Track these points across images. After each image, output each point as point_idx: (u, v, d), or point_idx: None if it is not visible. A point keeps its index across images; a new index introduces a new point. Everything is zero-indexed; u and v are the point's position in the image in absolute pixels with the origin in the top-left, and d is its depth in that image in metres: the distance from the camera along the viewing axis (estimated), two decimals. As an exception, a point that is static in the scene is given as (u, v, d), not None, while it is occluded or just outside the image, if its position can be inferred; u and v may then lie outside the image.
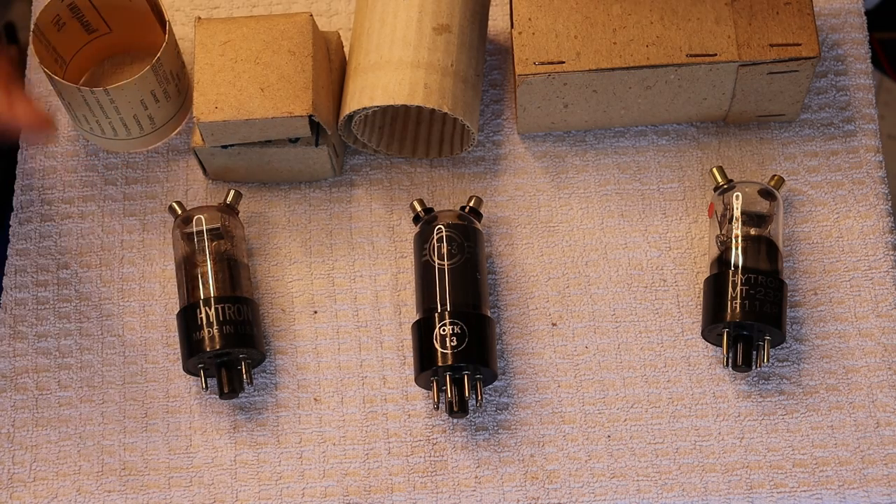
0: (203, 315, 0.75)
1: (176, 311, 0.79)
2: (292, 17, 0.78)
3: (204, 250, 0.77)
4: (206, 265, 0.77)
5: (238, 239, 0.79)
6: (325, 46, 0.79)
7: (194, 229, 0.78)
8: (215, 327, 0.75)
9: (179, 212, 0.79)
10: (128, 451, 0.78)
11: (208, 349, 0.75)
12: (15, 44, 1.26)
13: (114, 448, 0.78)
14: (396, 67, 0.77)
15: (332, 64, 0.80)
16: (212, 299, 0.76)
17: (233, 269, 0.77)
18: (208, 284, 0.77)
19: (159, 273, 0.81)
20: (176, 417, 0.78)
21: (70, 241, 0.82)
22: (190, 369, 0.77)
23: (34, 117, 0.74)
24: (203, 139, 0.78)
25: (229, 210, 0.79)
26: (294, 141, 0.79)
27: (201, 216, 0.78)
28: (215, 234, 0.78)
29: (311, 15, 0.78)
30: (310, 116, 0.77)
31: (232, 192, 0.80)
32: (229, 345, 0.75)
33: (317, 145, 0.79)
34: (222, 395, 0.76)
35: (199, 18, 0.79)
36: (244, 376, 0.77)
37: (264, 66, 0.77)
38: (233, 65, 0.77)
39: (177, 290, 0.79)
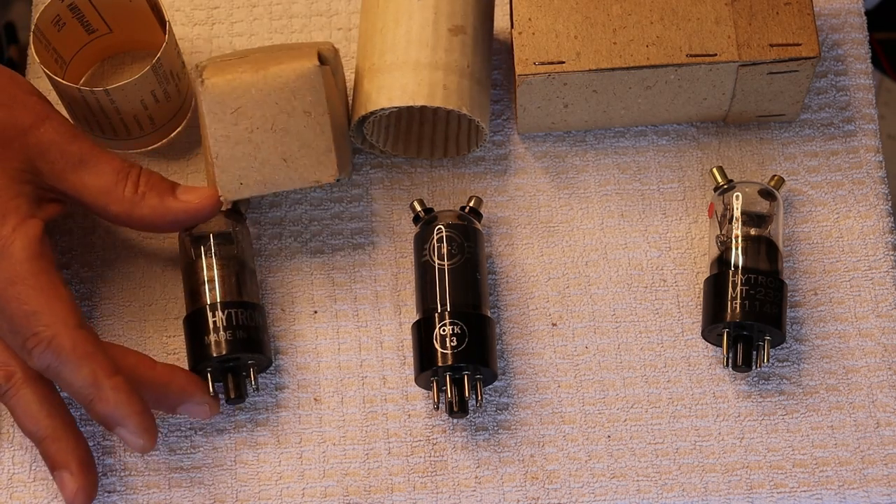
0: (210, 320, 0.75)
1: (178, 313, 0.79)
2: (299, 69, 0.74)
3: (211, 254, 0.77)
4: (214, 270, 0.76)
5: (245, 243, 0.78)
6: (331, 78, 0.77)
7: (201, 233, 0.77)
8: (222, 332, 0.75)
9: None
10: (128, 451, 0.78)
11: (215, 355, 0.75)
12: (15, 44, 1.26)
13: (114, 448, 0.78)
14: (414, 68, 0.77)
15: (336, 81, 0.78)
16: (219, 304, 0.75)
17: (240, 274, 0.77)
18: (215, 289, 0.76)
19: (160, 273, 0.81)
20: (176, 417, 0.78)
21: (71, 240, 0.82)
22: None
23: (197, 204, 0.76)
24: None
25: (236, 214, 0.79)
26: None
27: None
28: (223, 238, 0.77)
29: (318, 64, 0.75)
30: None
31: None
32: (237, 350, 0.75)
33: (337, 180, 0.78)
34: (229, 401, 0.76)
35: (203, 79, 0.75)
36: (250, 381, 0.76)
37: (282, 133, 0.75)
38: (249, 135, 0.75)
39: (179, 290, 0.79)
